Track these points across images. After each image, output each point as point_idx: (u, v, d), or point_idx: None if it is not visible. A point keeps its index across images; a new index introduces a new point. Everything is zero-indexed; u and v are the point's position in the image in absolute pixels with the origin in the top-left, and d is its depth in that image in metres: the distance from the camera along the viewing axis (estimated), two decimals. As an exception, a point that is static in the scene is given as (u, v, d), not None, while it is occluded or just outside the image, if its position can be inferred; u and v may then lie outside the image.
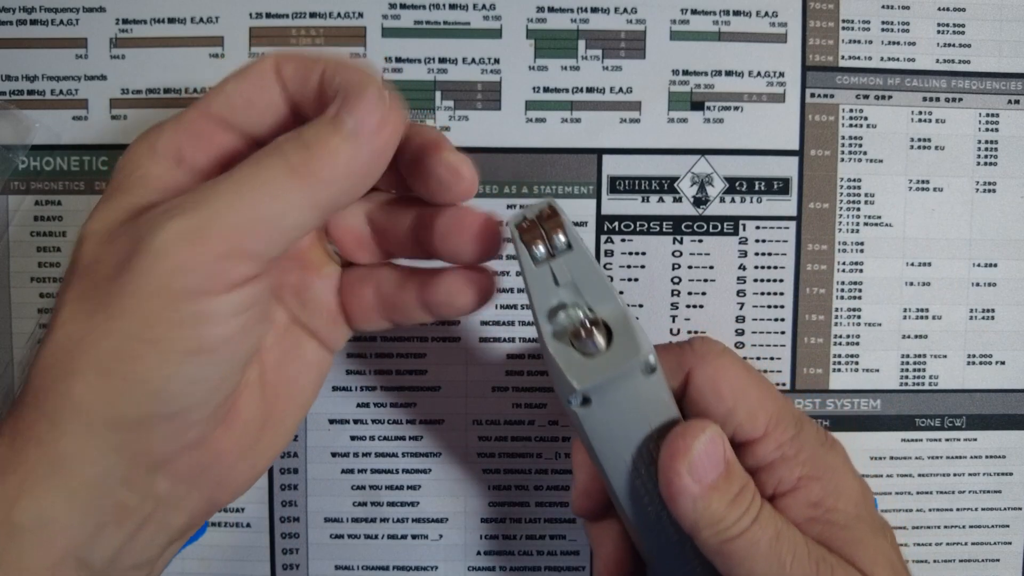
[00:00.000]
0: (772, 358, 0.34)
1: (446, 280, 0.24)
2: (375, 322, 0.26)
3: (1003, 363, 0.35)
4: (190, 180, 0.22)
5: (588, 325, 0.22)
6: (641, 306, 0.34)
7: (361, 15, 0.33)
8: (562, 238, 0.22)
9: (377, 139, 0.21)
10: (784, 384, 0.34)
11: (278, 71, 0.23)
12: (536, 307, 0.22)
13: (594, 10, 0.33)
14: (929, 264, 0.34)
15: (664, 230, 0.34)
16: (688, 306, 0.34)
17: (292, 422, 0.26)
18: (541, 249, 0.22)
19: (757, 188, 0.34)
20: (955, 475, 0.35)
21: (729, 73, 0.33)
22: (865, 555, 0.23)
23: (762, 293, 0.34)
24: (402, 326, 0.26)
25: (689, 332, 0.34)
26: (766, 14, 0.33)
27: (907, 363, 0.34)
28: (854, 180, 0.34)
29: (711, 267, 0.34)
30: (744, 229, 0.34)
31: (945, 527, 0.35)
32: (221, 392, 0.22)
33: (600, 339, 0.22)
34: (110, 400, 0.20)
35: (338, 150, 0.20)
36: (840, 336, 0.34)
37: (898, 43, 0.33)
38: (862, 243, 0.34)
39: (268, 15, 0.33)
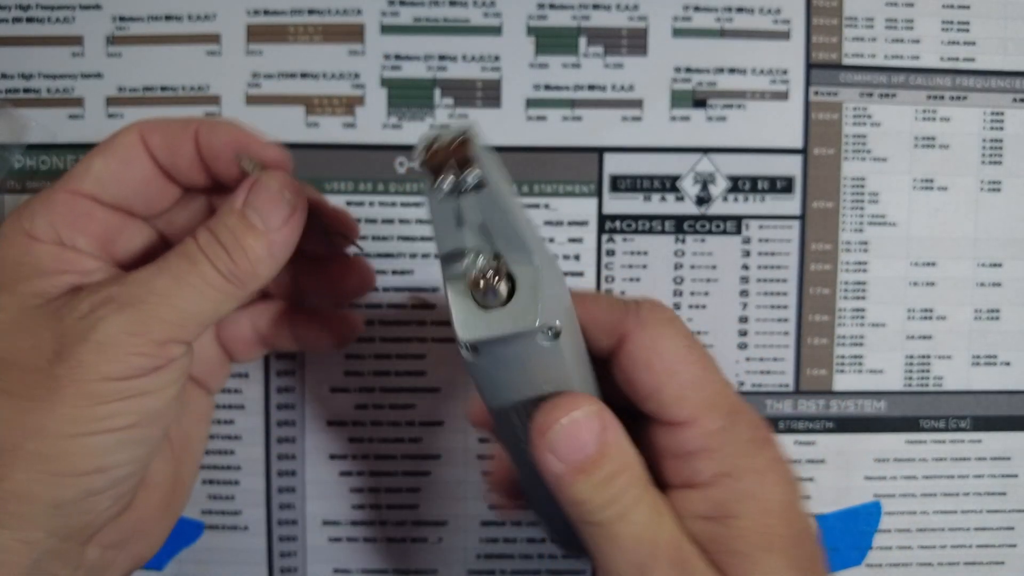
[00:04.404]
0: (775, 359, 0.34)
1: (315, 321, 0.29)
2: (255, 353, 0.29)
3: (1008, 364, 0.34)
4: (86, 260, 0.24)
5: (487, 276, 0.19)
6: (643, 306, 0.34)
7: (360, 12, 0.32)
8: (475, 172, 0.18)
9: (285, 231, 0.24)
10: (787, 385, 0.34)
11: (144, 143, 0.24)
12: (438, 246, 0.20)
13: (595, 7, 0.33)
14: (934, 264, 0.34)
15: (666, 229, 0.33)
16: (690, 306, 0.34)
17: (192, 475, 0.28)
18: (448, 182, 0.18)
19: (760, 187, 0.33)
20: (960, 477, 0.34)
21: (732, 71, 0.33)
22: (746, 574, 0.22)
23: (765, 293, 0.34)
24: (281, 351, 0.32)
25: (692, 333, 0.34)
26: (769, 11, 0.33)
27: (911, 364, 0.34)
28: (858, 179, 0.33)
29: (714, 267, 0.34)
30: (747, 228, 0.33)
31: (950, 529, 0.35)
32: (151, 457, 0.24)
33: (500, 292, 0.19)
34: (52, 484, 0.21)
35: (254, 249, 0.23)
36: (844, 337, 0.34)
37: (902, 41, 0.33)
38: (866, 243, 0.33)
39: (266, 12, 0.32)
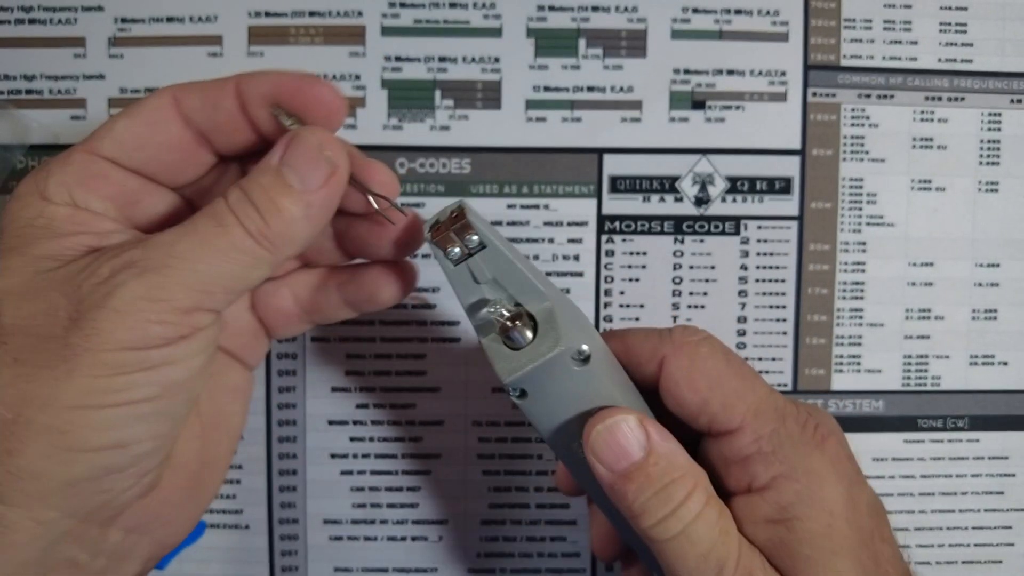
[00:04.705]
0: (774, 359, 0.34)
1: (367, 277, 0.25)
2: (296, 327, 0.27)
3: (1006, 364, 0.34)
4: (102, 222, 0.22)
5: (509, 320, 0.22)
6: (642, 306, 0.34)
7: (360, 14, 0.33)
8: (474, 238, 0.22)
9: (324, 192, 0.21)
10: (786, 385, 0.34)
11: (177, 106, 0.23)
12: (462, 305, 0.23)
13: (595, 9, 0.33)
14: (931, 264, 0.34)
15: (665, 230, 0.34)
16: (689, 306, 0.34)
17: (226, 456, 0.26)
18: (456, 250, 0.22)
19: (758, 188, 0.33)
20: (957, 476, 0.35)
21: (730, 72, 0.33)
22: None
23: (764, 293, 0.34)
24: (326, 323, 0.28)
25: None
26: (767, 13, 0.33)
27: (909, 364, 0.34)
28: (856, 180, 0.34)
29: (712, 267, 0.34)
30: (745, 229, 0.34)
31: (948, 528, 0.35)
32: (175, 433, 0.22)
33: (525, 332, 0.22)
34: (66, 460, 0.20)
35: (289, 211, 0.21)
36: (842, 337, 0.34)
37: (900, 42, 0.33)
38: (864, 243, 0.34)
39: (267, 14, 0.32)
